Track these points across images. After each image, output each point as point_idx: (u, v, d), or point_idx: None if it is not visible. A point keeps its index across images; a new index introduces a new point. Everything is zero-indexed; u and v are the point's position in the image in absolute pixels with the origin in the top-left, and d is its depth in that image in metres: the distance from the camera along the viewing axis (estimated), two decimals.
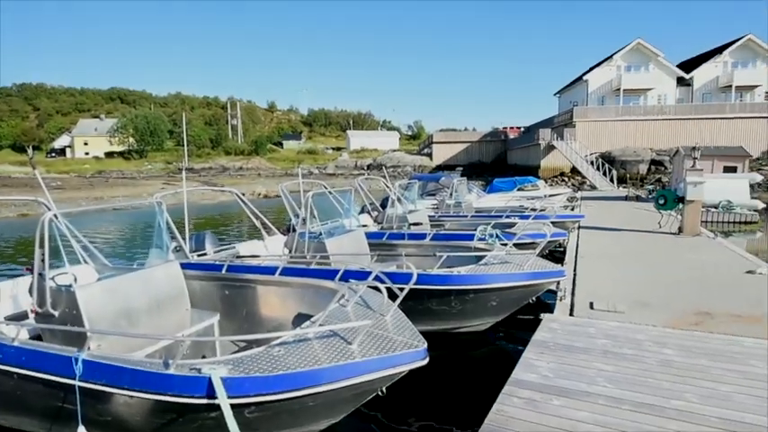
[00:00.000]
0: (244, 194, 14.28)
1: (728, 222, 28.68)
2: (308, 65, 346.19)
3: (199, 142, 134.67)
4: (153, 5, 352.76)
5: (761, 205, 31.17)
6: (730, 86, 68.51)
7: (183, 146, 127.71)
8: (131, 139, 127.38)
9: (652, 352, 7.76)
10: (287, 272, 10.33)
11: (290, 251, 12.61)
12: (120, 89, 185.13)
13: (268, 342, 6.44)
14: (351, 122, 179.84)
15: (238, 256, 12.27)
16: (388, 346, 6.40)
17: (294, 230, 12.85)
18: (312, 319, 7.15)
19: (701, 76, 70.04)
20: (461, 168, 76.80)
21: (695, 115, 59.76)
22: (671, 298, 10.67)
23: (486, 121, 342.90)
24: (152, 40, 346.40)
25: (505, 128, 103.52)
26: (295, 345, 6.39)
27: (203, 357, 7.36)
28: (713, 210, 29.08)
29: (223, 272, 10.50)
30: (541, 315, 9.66)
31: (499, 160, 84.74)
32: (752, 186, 34.01)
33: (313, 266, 10.81)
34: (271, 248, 13.70)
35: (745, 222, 28.64)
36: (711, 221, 28.39)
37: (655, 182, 49.04)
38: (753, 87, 68.68)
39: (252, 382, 5.72)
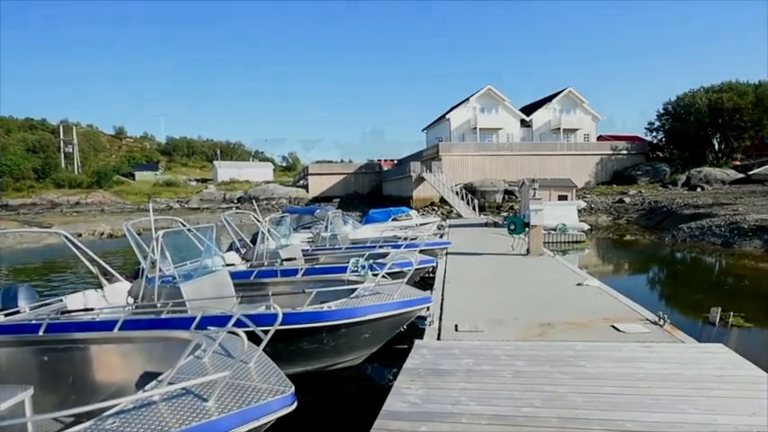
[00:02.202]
0: (80, 235, 11.20)
1: (564, 242, 30.79)
2: (167, 90, 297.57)
3: (17, 173, 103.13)
4: None
5: (586, 227, 33.79)
6: (559, 129, 73.06)
7: None
8: None
9: (506, 365, 7.90)
10: (130, 325, 8.48)
11: (136, 300, 10.04)
12: None
13: (101, 413, 5.09)
14: (218, 152, 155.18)
15: (65, 312, 9.83)
16: (251, 397, 5.44)
17: (142, 275, 10.29)
18: (159, 378, 5.78)
19: (538, 119, 74.21)
20: (338, 200, 74.47)
21: (535, 152, 62.90)
22: (521, 313, 11.00)
23: (362, 154, 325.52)
24: None
25: (380, 160, 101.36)
26: (136, 412, 5.12)
27: None
28: (552, 232, 30.91)
29: (40, 333, 8.30)
30: (414, 341, 9.25)
31: (375, 191, 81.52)
32: (579, 211, 37.28)
33: (164, 316, 9.01)
34: (111, 299, 10.81)
35: (576, 242, 30.91)
36: (551, 242, 30.08)
37: (509, 209, 50.72)
38: (575, 130, 73.66)
39: None
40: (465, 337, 9.48)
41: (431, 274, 17.84)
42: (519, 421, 6.14)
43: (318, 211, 27.55)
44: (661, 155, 66.46)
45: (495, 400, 6.73)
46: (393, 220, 31.00)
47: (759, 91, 60.37)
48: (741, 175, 53.39)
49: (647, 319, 10.25)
